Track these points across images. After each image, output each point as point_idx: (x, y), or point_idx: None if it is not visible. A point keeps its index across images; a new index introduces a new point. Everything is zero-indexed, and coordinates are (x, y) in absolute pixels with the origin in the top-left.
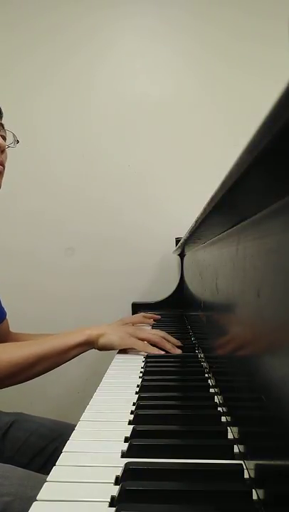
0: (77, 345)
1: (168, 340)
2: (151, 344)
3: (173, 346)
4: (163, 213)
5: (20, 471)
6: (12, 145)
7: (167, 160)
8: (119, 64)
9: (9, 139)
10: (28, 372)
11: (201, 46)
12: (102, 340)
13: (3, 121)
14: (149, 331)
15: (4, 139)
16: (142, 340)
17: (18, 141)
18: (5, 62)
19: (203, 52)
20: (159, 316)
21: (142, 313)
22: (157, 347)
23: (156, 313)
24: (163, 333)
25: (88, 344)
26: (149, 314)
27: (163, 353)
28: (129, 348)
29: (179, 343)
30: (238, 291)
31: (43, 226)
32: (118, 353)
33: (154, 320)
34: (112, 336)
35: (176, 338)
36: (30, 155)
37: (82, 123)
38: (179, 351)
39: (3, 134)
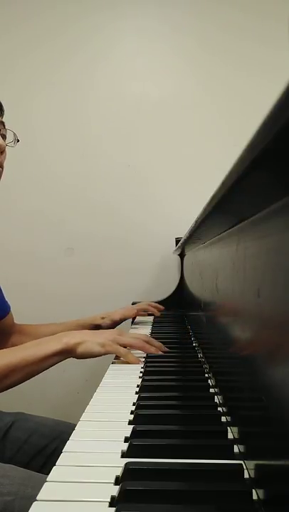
0: (54, 355)
1: (151, 345)
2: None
3: (157, 350)
4: (163, 213)
5: (20, 470)
6: (12, 144)
7: (167, 160)
8: (120, 64)
9: (9, 137)
10: (1, 384)
11: (201, 46)
12: (80, 349)
13: (4, 120)
14: (131, 336)
15: (4, 138)
16: (124, 345)
17: (18, 140)
18: (5, 62)
19: (203, 52)
20: (162, 307)
21: (147, 302)
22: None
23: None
24: (146, 337)
25: (66, 353)
26: (153, 303)
27: (141, 362)
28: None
29: (163, 347)
30: (238, 291)
31: (43, 226)
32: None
33: (158, 310)
34: (91, 343)
35: (175, 338)
36: (30, 155)
37: (82, 123)
38: (163, 348)
39: (3, 132)
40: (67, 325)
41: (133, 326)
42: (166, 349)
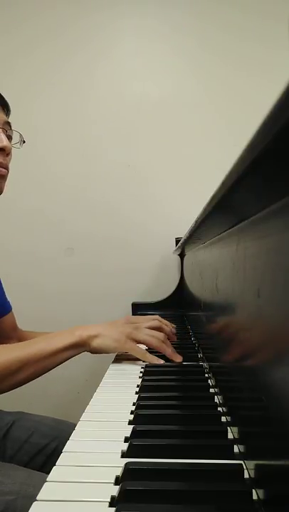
0: (67, 348)
1: (168, 346)
2: (149, 350)
3: (174, 352)
4: (163, 213)
5: (21, 469)
6: (17, 145)
7: (167, 160)
8: (119, 64)
9: (15, 138)
10: (12, 380)
11: (201, 46)
12: (95, 343)
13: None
14: (147, 332)
15: (10, 139)
16: (140, 342)
17: (24, 142)
18: (5, 62)
19: (203, 52)
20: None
21: (158, 317)
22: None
23: (156, 313)
24: (162, 335)
25: (79, 346)
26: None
27: (162, 362)
28: (125, 353)
29: (176, 354)
30: (238, 291)
31: (43, 226)
32: (117, 355)
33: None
34: (106, 338)
35: (176, 338)
36: (30, 155)
37: (82, 123)
38: (180, 358)
39: (10, 134)
40: None
41: None
42: (180, 357)
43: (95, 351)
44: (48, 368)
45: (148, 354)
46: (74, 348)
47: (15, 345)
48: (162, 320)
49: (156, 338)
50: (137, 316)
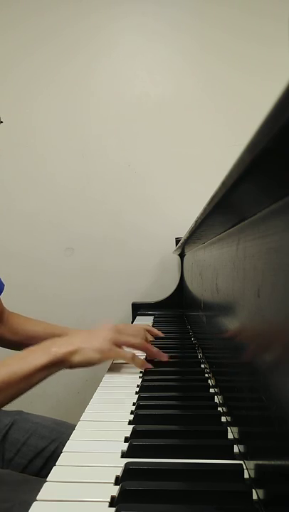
0: (42, 368)
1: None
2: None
3: (158, 351)
4: (163, 214)
5: (17, 475)
6: None
7: (167, 160)
8: (119, 64)
9: None
10: None
11: (201, 46)
12: (75, 359)
13: None
14: (129, 333)
15: None
16: (122, 344)
17: (1, 122)
18: (5, 62)
19: (203, 52)
20: (163, 334)
21: (145, 326)
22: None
23: (156, 313)
24: (144, 335)
25: (56, 365)
26: (154, 329)
27: (150, 366)
28: (120, 362)
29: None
30: (238, 291)
31: (43, 226)
32: None
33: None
34: (87, 351)
35: (175, 338)
36: (30, 155)
37: (82, 123)
38: (166, 357)
39: None
40: (57, 329)
41: None
42: (166, 356)
43: (78, 367)
44: (23, 391)
45: (137, 358)
46: (50, 367)
47: None
48: (151, 329)
49: (139, 338)
50: (125, 324)
